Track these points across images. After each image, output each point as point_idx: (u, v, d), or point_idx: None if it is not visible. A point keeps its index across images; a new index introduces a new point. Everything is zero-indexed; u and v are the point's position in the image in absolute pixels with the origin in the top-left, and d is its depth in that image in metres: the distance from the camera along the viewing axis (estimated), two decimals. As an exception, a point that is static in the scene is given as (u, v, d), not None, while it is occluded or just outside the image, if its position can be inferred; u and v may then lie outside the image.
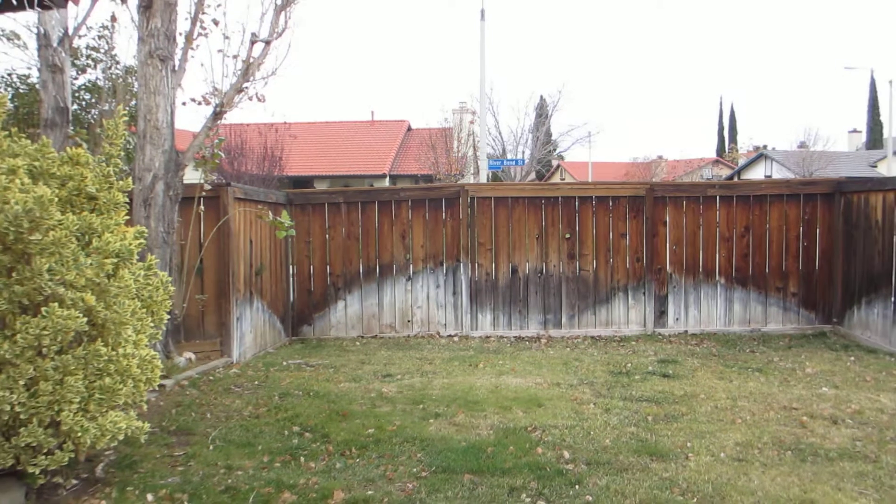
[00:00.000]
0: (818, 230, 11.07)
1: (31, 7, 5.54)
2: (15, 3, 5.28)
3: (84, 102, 13.38)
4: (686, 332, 11.02)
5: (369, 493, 4.80)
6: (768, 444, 5.72)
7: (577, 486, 4.89)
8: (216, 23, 9.26)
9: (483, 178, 24.71)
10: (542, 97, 45.29)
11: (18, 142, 5.12)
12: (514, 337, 11.00)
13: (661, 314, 11.15)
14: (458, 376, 8.27)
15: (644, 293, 11.15)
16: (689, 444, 5.71)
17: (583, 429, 6.14)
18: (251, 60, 9.36)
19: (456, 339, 10.99)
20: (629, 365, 8.74)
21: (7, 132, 5.09)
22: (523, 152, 41.37)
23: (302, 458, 5.47)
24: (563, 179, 48.83)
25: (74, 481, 4.90)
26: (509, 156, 40.94)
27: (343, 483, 4.96)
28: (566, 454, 5.50)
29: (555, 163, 51.60)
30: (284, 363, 9.19)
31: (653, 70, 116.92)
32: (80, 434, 4.56)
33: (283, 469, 5.26)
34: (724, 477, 5.04)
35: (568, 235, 11.22)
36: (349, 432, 6.07)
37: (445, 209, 11.32)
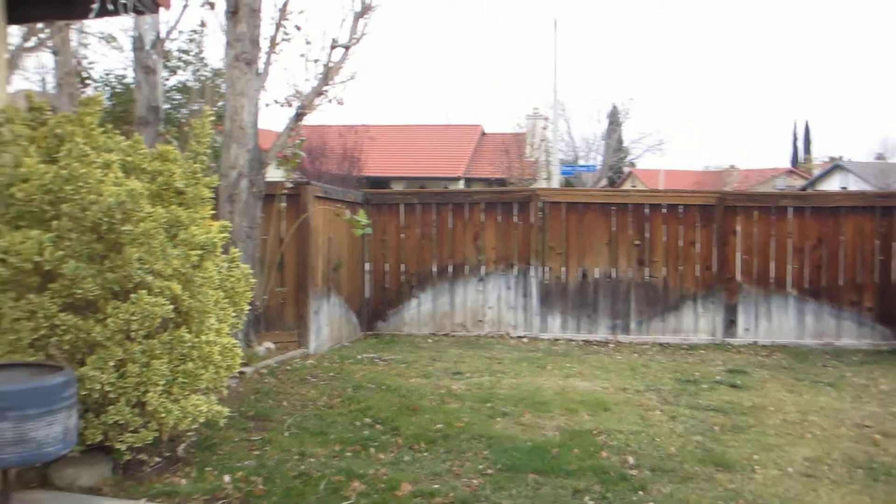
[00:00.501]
0: (895, 244, 10.77)
1: (126, 12, 5.84)
2: (111, 8, 5.58)
3: (175, 102, 13.84)
4: (756, 342, 10.80)
5: (435, 486, 4.88)
6: (838, 460, 5.59)
7: (640, 492, 4.87)
8: (298, 28, 9.50)
9: (555, 184, 24.67)
10: (613, 105, 44.75)
11: (113, 138, 5.38)
12: (583, 340, 10.99)
13: (730, 324, 10.99)
14: (525, 377, 8.33)
15: (713, 302, 11.01)
16: (756, 457, 5.62)
17: (648, 435, 6.12)
18: (331, 65, 9.59)
19: (525, 340, 11.04)
20: (697, 373, 8.66)
21: (103, 129, 5.37)
22: (595, 158, 41.00)
23: (372, 449, 5.59)
24: (634, 186, 48.03)
25: (157, 459, 5.10)
26: (581, 162, 40.62)
27: (411, 476, 5.05)
28: (630, 459, 5.48)
29: (626, 170, 50.83)
30: (358, 357, 9.38)
31: (726, 77, 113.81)
32: (163, 415, 4.77)
33: (353, 459, 5.38)
34: (791, 492, 4.94)
35: (638, 242, 11.17)
36: (418, 426, 6.16)
37: (517, 213, 11.39)
